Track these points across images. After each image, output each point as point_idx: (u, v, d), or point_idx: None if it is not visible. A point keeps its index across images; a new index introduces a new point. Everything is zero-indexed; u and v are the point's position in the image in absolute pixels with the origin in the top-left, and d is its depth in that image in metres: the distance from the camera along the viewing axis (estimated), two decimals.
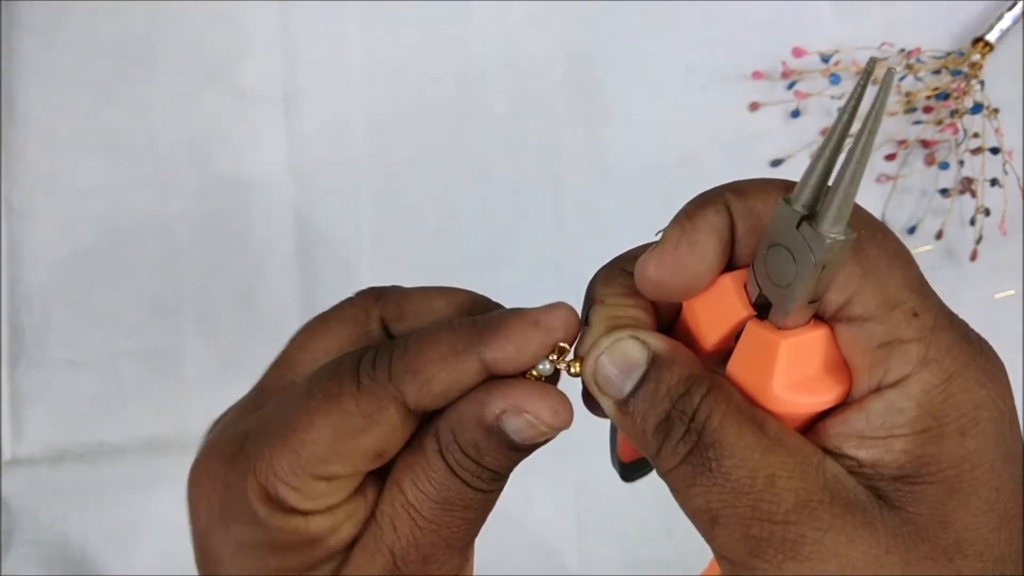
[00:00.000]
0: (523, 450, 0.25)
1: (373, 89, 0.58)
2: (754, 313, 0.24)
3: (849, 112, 0.21)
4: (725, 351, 0.25)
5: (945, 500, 0.21)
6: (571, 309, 0.25)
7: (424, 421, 0.26)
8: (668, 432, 0.23)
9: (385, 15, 0.58)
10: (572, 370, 0.25)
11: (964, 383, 0.22)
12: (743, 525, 0.22)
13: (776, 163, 0.58)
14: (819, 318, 0.23)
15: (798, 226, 0.21)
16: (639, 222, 0.58)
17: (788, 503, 0.21)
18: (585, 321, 0.26)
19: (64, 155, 0.57)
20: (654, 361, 0.24)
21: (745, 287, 0.24)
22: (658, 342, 0.24)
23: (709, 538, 0.23)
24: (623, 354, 0.24)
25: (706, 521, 0.23)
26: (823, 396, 0.23)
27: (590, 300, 0.26)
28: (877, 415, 0.22)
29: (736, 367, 0.24)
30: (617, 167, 0.58)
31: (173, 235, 0.57)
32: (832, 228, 0.21)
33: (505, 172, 0.58)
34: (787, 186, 0.24)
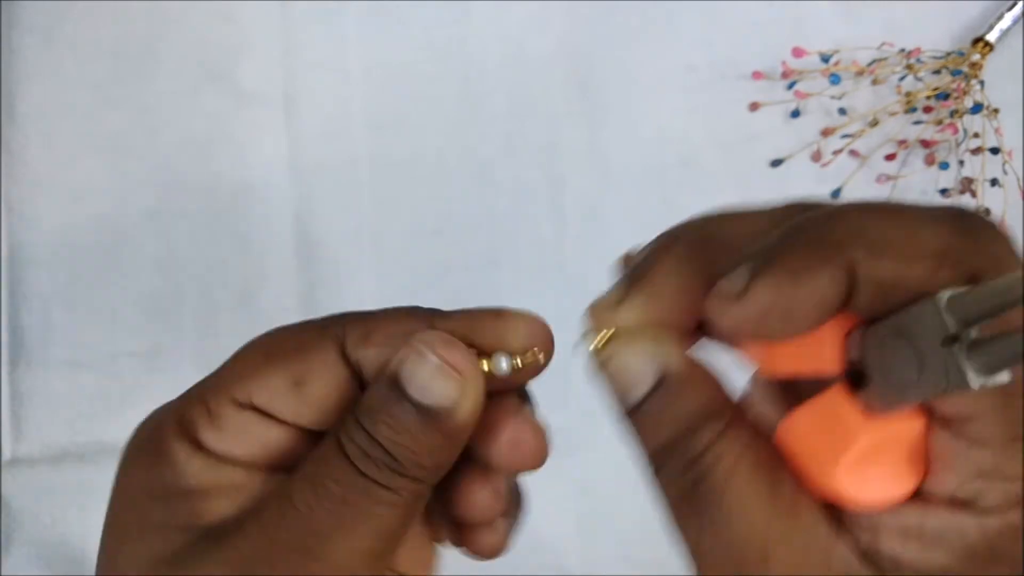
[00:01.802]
0: (424, 413, 0.22)
1: (373, 89, 0.58)
2: (844, 375, 0.20)
3: None
4: (785, 381, 0.21)
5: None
6: (541, 320, 0.25)
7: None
8: (666, 463, 0.21)
9: (385, 15, 0.58)
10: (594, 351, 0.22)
11: None
12: None
13: (776, 163, 0.58)
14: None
15: (943, 343, 0.17)
16: (639, 222, 0.58)
17: None
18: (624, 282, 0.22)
19: (64, 155, 0.57)
20: (662, 383, 0.21)
21: (848, 337, 0.20)
22: (675, 360, 0.21)
23: (690, 564, 0.21)
24: (627, 368, 0.21)
25: (689, 553, 0.21)
26: (889, 494, 0.19)
27: (638, 267, 0.22)
28: (937, 523, 0.19)
29: (798, 425, 0.20)
30: (617, 167, 0.58)
31: (173, 235, 0.57)
32: (987, 375, 0.16)
33: (505, 172, 0.58)
34: (952, 268, 0.18)
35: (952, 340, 0.17)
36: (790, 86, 0.57)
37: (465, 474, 0.26)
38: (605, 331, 0.21)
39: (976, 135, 0.56)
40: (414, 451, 0.23)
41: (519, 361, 0.24)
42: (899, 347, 0.18)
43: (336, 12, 0.58)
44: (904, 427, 0.19)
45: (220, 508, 0.24)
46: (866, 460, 0.19)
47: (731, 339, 0.22)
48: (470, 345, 0.24)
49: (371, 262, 0.57)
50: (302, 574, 0.22)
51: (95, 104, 0.57)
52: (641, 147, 0.58)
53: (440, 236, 0.57)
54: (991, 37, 0.56)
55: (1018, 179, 0.55)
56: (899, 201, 0.21)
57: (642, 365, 0.21)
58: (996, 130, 0.55)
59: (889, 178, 0.57)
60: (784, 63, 0.57)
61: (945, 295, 0.17)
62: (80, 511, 0.54)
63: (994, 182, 0.55)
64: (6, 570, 0.54)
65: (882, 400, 0.19)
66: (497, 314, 0.24)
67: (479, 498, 0.26)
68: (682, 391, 0.21)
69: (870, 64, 0.57)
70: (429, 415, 0.23)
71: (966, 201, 0.56)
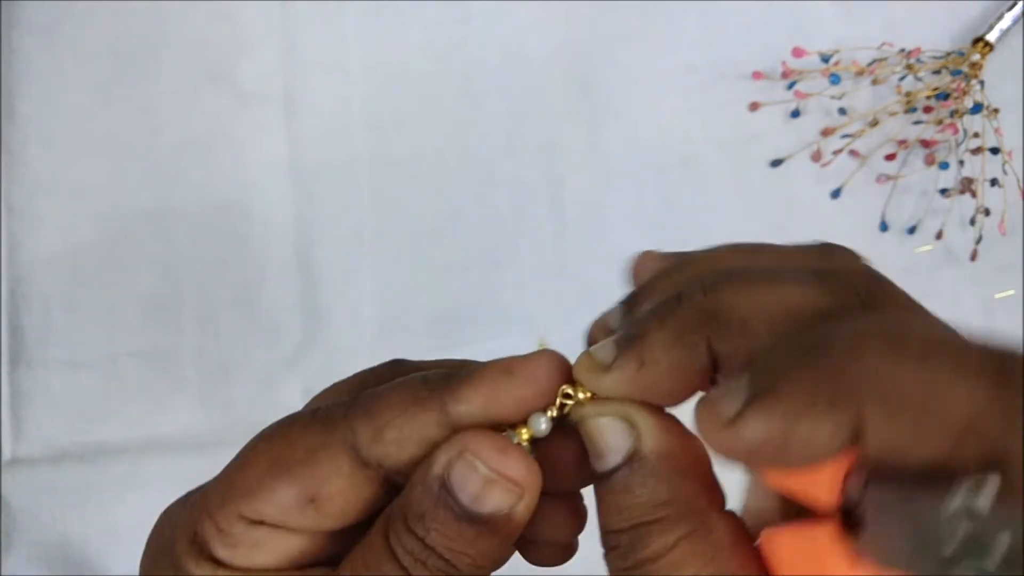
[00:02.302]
0: (479, 522, 0.21)
1: (373, 89, 0.58)
2: (838, 512, 0.18)
3: None
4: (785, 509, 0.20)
5: None
6: (555, 356, 0.22)
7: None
8: (616, 548, 0.20)
9: (385, 15, 0.58)
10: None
11: None
12: None
13: (776, 163, 0.58)
14: None
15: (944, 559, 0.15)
16: (639, 222, 0.58)
17: None
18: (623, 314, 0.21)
19: (64, 155, 0.57)
20: (634, 462, 0.19)
21: (849, 475, 0.18)
22: (650, 444, 0.19)
23: None
24: (599, 435, 0.20)
25: None
26: None
27: (635, 328, 0.20)
28: None
29: (780, 543, 0.19)
30: (617, 167, 0.58)
31: (173, 235, 0.57)
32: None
33: (505, 172, 0.58)
34: (976, 447, 0.16)
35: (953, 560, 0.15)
36: (790, 86, 0.57)
37: (544, 501, 0.23)
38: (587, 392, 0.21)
39: (976, 135, 0.56)
40: (470, 556, 0.21)
41: (553, 411, 0.22)
42: (902, 519, 0.16)
43: (336, 12, 0.58)
44: None
45: None
46: None
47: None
48: (499, 426, 0.22)
49: (371, 262, 0.57)
50: None
51: (95, 104, 0.57)
52: (641, 147, 0.58)
53: (440, 236, 0.57)
54: (991, 37, 0.56)
55: (1018, 179, 0.55)
56: (938, 329, 0.18)
57: (617, 438, 0.20)
58: (996, 130, 0.55)
59: (889, 178, 0.57)
60: (784, 63, 0.57)
61: (953, 504, 0.15)
62: (80, 511, 0.54)
63: (994, 182, 0.55)
64: (6, 570, 0.54)
65: (874, 555, 0.17)
66: (508, 371, 0.21)
67: (560, 522, 0.24)
68: (651, 479, 0.19)
69: (870, 64, 0.57)
70: (485, 523, 0.21)
71: (966, 201, 0.56)
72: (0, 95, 0.56)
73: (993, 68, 0.56)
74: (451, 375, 0.22)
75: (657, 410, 0.20)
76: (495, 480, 0.21)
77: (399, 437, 0.22)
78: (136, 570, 0.26)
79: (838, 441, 0.17)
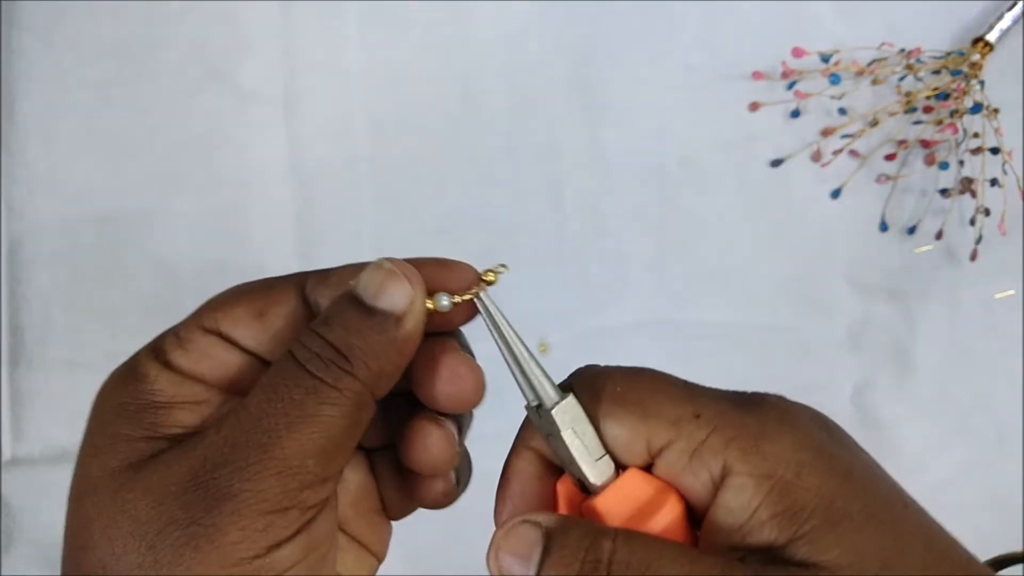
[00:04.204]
0: (375, 315, 0.25)
1: (373, 89, 0.58)
2: (583, 497, 0.26)
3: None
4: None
5: (831, 530, 0.23)
6: (476, 273, 0.28)
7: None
8: None
9: (385, 15, 0.58)
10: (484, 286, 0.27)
11: (772, 440, 0.24)
12: None
13: (776, 163, 0.58)
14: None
15: (538, 416, 0.26)
16: (639, 222, 0.58)
17: None
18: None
19: (64, 155, 0.57)
20: (549, 534, 0.24)
21: (570, 479, 0.26)
22: (548, 517, 0.25)
23: None
24: (519, 539, 0.24)
25: None
26: (660, 520, 0.25)
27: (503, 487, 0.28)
28: (730, 505, 0.24)
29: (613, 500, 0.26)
30: (617, 167, 0.58)
31: (173, 235, 0.57)
32: (546, 401, 0.26)
33: (505, 172, 0.58)
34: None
35: (536, 409, 0.26)
36: (790, 86, 0.57)
37: (418, 422, 0.28)
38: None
39: (976, 135, 0.56)
40: (362, 349, 0.25)
41: (458, 298, 0.27)
42: (552, 443, 0.26)
43: (336, 12, 0.58)
44: (621, 481, 0.25)
45: (183, 419, 0.26)
46: (623, 510, 0.25)
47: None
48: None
49: None
50: (256, 469, 0.24)
51: (95, 104, 0.57)
52: (641, 147, 0.58)
53: (440, 236, 0.57)
54: (991, 37, 0.56)
55: (1018, 179, 0.55)
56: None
57: (530, 531, 0.24)
58: (996, 130, 0.55)
59: (889, 178, 0.57)
60: (784, 63, 0.57)
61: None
62: None
63: (994, 182, 0.55)
64: (6, 570, 0.54)
65: (584, 478, 0.26)
66: (438, 261, 0.27)
67: (433, 442, 0.28)
68: (567, 529, 0.24)
69: (870, 64, 0.57)
70: (380, 317, 0.25)
71: (966, 201, 0.56)
72: (0, 95, 0.56)
73: (993, 68, 0.56)
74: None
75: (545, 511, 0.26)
76: (393, 274, 0.26)
77: (339, 280, 0.27)
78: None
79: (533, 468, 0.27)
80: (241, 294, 0.28)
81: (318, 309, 0.28)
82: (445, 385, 0.27)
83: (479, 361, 0.28)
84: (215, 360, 0.27)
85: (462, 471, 0.30)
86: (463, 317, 0.28)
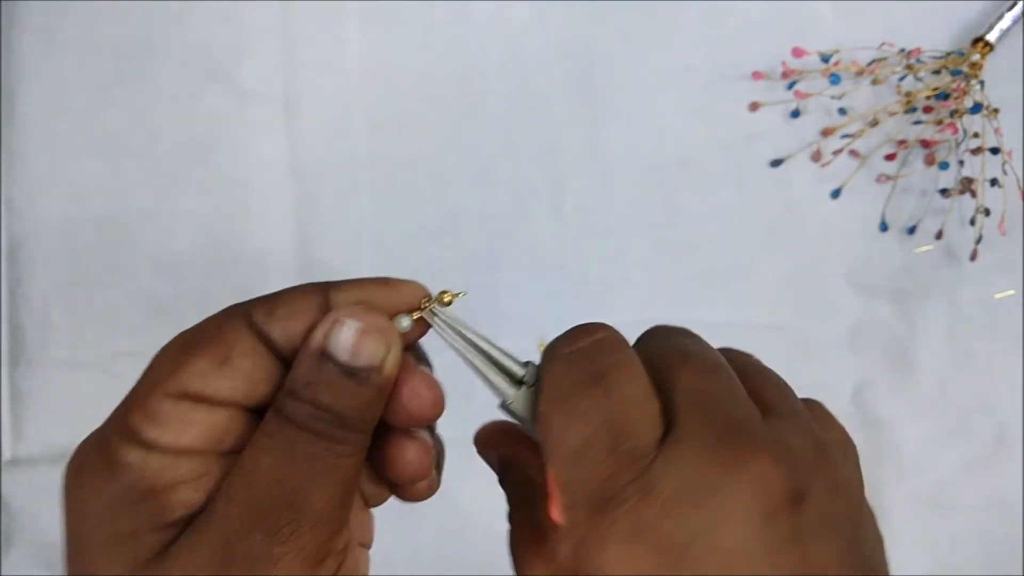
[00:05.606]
0: (358, 375, 0.25)
1: (373, 89, 0.58)
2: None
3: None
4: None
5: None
6: (423, 289, 0.28)
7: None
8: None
9: (385, 15, 0.58)
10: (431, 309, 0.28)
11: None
12: None
13: (776, 163, 0.58)
14: None
15: (507, 411, 0.28)
16: (639, 222, 0.58)
17: None
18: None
19: (64, 155, 0.57)
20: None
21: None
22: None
23: None
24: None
25: None
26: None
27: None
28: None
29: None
30: (617, 167, 0.58)
31: (173, 235, 0.57)
32: (506, 398, 0.27)
33: (505, 172, 0.58)
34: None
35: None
36: (790, 86, 0.57)
37: (393, 439, 0.28)
38: None
39: (976, 135, 0.56)
40: (355, 407, 0.25)
41: (416, 314, 0.28)
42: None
43: (336, 12, 0.58)
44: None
45: (187, 498, 0.25)
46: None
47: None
48: None
49: (371, 262, 0.57)
50: (291, 529, 0.24)
51: (95, 104, 0.57)
52: (641, 147, 0.58)
53: (440, 236, 0.57)
54: (991, 37, 0.56)
55: (1018, 179, 0.55)
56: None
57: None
58: (996, 130, 0.55)
59: (889, 178, 0.57)
60: (784, 63, 0.57)
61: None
62: None
63: (994, 182, 0.55)
64: (6, 570, 0.54)
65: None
66: (384, 282, 0.28)
67: (412, 456, 0.28)
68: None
69: (870, 64, 0.57)
70: (361, 375, 0.25)
71: (966, 201, 0.56)
72: (0, 95, 0.56)
73: (993, 68, 0.56)
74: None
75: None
76: (366, 331, 0.25)
77: (288, 313, 0.26)
78: None
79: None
80: (190, 347, 0.26)
81: (272, 343, 0.26)
82: (407, 403, 0.27)
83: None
84: (199, 425, 0.25)
85: (440, 459, 0.31)
86: (417, 333, 0.28)
